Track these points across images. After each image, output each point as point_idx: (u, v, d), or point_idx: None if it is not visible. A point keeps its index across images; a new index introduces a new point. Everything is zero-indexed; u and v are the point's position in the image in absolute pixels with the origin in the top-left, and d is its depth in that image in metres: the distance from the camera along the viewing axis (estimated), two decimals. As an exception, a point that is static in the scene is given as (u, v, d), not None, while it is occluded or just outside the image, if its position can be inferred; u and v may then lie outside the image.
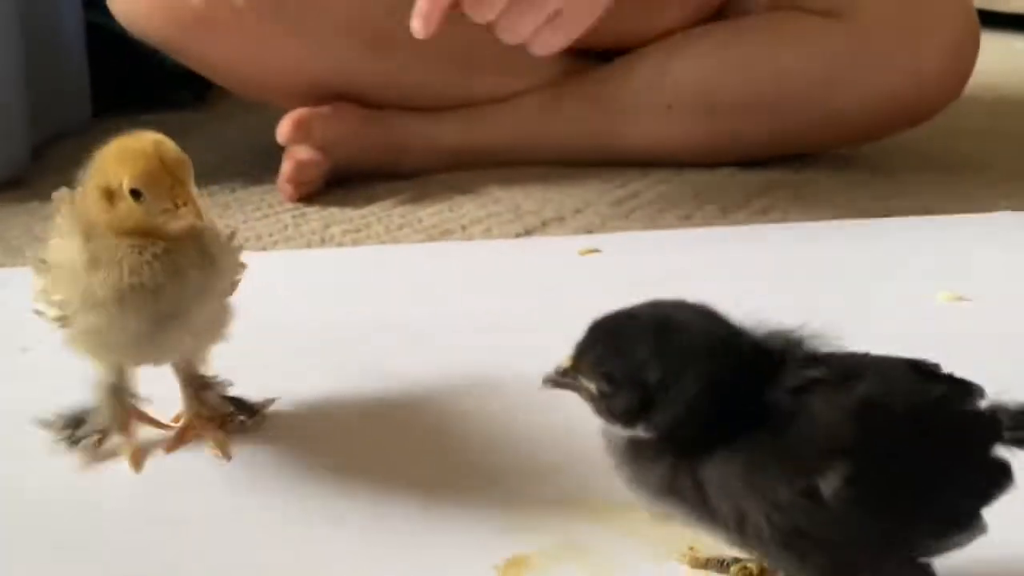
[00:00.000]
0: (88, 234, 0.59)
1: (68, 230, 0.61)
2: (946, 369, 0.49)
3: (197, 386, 0.68)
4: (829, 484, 0.43)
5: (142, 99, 1.78)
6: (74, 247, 0.60)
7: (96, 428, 0.66)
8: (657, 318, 0.46)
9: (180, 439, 0.67)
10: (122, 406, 0.66)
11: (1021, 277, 0.98)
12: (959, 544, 0.47)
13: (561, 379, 0.48)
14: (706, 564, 0.54)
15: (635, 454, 0.47)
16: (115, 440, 0.66)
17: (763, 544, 0.45)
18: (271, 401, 0.71)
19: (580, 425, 0.69)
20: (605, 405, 0.46)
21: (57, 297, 0.61)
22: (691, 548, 0.56)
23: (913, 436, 0.45)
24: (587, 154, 1.45)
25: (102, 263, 0.59)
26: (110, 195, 0.58)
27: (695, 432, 0.45)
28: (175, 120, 1.59)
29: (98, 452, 0.66)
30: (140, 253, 0.58)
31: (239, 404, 0.70)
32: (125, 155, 0.58)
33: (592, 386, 0.47)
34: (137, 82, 1.85)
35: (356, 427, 0.71)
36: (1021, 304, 0.91)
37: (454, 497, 0.62)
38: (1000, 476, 0.47)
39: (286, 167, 1.31)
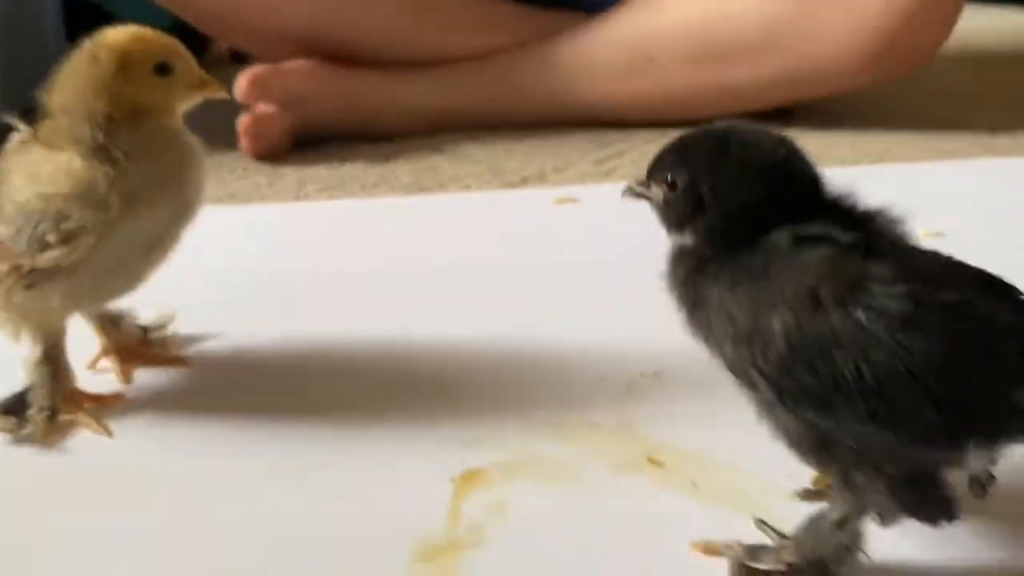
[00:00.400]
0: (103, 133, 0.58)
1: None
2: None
3: (112, 320, 0.68)
4: (779, 320, 0.44)
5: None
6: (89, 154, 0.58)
7: (43, 406, 0.61)
8: (722, 137, 0.48)
9: (130, 366, 0.67)
10: (66, 378, 0.63)
11: (995, 214, 0.97)
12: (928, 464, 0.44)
13: (637, 188, 0.52)
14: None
15: (675, 257, 0.50)
16: (65, 415, 0.62)
17: (728, 365, 0.46)
18: (170, 317, 0.72)
19: (546, 354, 0.70)
20: (665, 210, 0.50)
21: (77, 215, 0.57)
22: (650, 459, 0.55)
23: (900, 327, 0.42)
24: (568, 112, 1.43)
25: (135, 155, 0.58)
26: (129, 74, 0.59)
27: (718, 247, 0.47)
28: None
29: (50, 431, 0.60)
30: (163, 139, 0.60)
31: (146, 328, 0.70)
32: (133, 35, 0.59)
33: (660, 193, 0.50)
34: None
35: (328, 356, 0.70)
36: (992, 236, 0.90)
37: (413, 413, 0.61)
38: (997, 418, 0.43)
39: (243, 119, 1.29)
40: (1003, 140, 1.40)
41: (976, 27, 2.66)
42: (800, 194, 0.48)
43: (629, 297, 0.78)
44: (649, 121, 1.43)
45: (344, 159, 1.32)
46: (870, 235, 0.46)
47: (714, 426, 0.57)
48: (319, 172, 1.26)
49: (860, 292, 0.43)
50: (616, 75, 1.40)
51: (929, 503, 0.44)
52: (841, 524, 0.46)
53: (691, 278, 0.48)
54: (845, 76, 1.36)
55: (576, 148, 1.36)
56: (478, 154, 1.34)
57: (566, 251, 0.91)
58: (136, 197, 0.58)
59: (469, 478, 0.53)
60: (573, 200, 1.06)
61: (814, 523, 0.47)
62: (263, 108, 1.30)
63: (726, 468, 0.54)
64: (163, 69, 0.59)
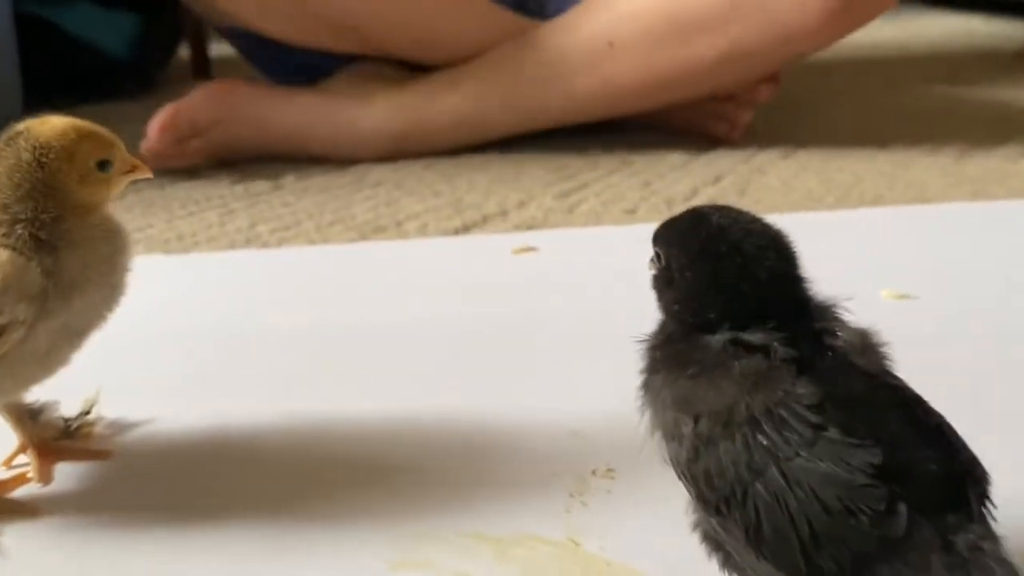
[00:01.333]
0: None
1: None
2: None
3: (31, 413, 0.65)
4: (692, 427, 0.43)
5: (79, 89, 1.73)
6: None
7: None
8: (703, 216, 0.48)
9: (48, 462, 0.63)
10: None
11: (966, 271, 0.93)
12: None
13: (649, 264, 0.50)
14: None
15: (656, 328, 0.49)
16: None
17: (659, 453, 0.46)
18: (92, 402, 0.69)
19: (490, 442, 0.66)
20: (654, 284, 0.49)
21: (8, 309, 0.55)
22: (596, 586, 0.51)
23: (793, 465, 0.40)
24: (534, 119, 1.40)
25: (71, 246, 0.57)
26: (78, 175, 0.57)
27: (678, 329, 0.47)
28: (112, 111, 1.53)
29: None
30: (98, 229, 0.59)
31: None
32: (77, 133, 0.58)
33: (652, 267, 0.50)
34: (74, 72, 1.81)
35: (252, 446, 0.66)
36: (965, 301, 0.87)
37: (339, 521, 0.56)
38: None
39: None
40: (973, 163, 1.37)
41: (948, 33, 2.64)
42: (760, 290, 0.46)
43: (585, 367, 0.75)
44: (618, 114, 1.40)
45: (300, 193, 1.28)
46: (817, 345, 0.45)
47: (671, 538, 0.53)
48: (273, 211, 1.22)
49: (771, 417, 0.42)
50: (578, 67, 1.36)
51: None
52: None
53: (649, 354, 0.48)
54: (809, 36, 1.32)
55: (539, 179, 1.33)
56: (439, 185, 1.31)
57: (523, 308, 0.88)
58: (72, 288, 0.57)
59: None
60: (532, 249, 1.02)
61: None
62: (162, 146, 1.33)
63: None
64: (104, 165, 0.59)
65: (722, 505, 0.42)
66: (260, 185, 1.33)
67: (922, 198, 1.21)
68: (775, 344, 0.44)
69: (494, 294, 0.91)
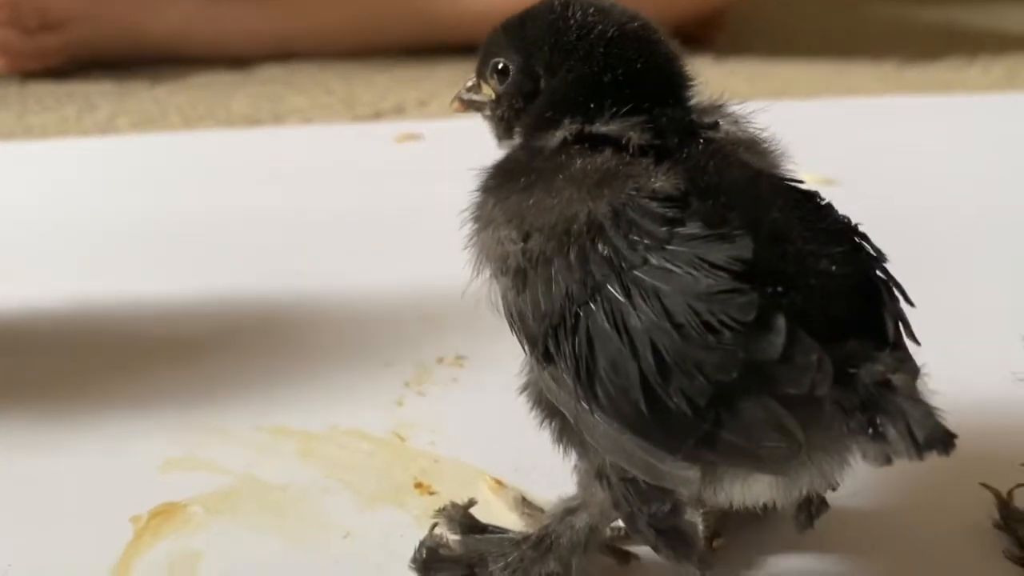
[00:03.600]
0: None
1: None
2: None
3: None
4: (518, 246, 0.33)
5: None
6: None
7: None
8: (563, 5, 0.38)
9: None
10: None
11: (892, 158, 0.84)
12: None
13: (466, 95, 0.40)
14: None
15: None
16: None
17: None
18: None
19: (322, 327, 0.55)
20: (495, 111, 0.39)
21: None
22: (417, 484, 0.41)
23: (639, 274, 0.30)
24: (440, 30, 1.28)
25: None
26: None
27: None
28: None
29: None
30: None
31: None
32: None
33: (490, 91, 0.39)
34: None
35: (42, 329, 0.55)
36: (887, 185, 0.77)
37: (100, 423, 0.45)
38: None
39: None
40: (914, 73, 1.28)
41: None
42: (609, 72, 0.36)
43: (451, 255, 0.64)
44: None
45: (173, 90, 1.15)
46: (688, 136, 0.34)
47: (517, 430, 0.43)
48: (140, 103, 1.09)
49: (617, 221, 0.31)
50: None
51: (663, 529, 0.32)
52: (570, 513, 0.35)
53: (481, 179, 0.37)
54: None
55: (446, 79, 1.21)
56: (333, 84, 1.18)
57: (396, 196, 0.77)
58: None
59: (159, 517, 0.39)
60: (415, 137, 0.91)
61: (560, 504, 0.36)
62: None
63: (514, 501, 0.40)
64: None
65: (550, 342, 0.31)
66: (134, 84, 1.19)
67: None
68: (629, 133, 0.33)
69: (367, 181, 0.80)
